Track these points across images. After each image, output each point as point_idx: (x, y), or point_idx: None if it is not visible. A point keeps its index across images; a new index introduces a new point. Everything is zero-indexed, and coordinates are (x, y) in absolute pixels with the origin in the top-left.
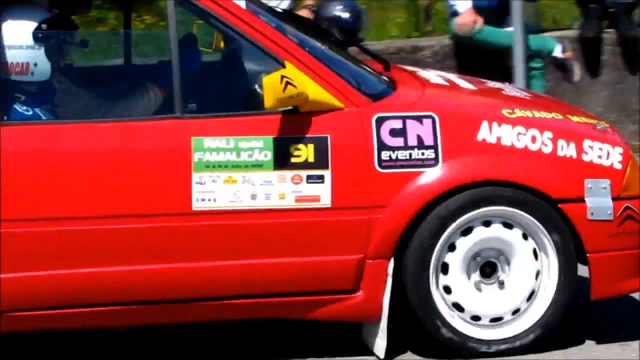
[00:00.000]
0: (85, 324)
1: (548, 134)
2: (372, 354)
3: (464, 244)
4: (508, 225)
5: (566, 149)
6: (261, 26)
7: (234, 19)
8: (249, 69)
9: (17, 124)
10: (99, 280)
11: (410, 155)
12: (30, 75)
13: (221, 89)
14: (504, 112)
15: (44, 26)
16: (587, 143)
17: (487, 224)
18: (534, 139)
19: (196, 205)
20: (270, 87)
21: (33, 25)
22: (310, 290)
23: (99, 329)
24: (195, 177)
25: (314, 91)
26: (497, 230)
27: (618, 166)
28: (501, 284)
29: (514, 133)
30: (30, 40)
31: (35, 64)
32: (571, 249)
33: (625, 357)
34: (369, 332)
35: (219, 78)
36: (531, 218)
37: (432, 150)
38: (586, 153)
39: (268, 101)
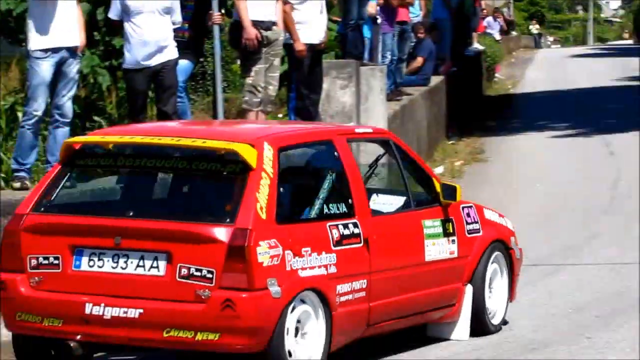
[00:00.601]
0: (393, 329)
1: (494, 212)
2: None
3: (490, 269)
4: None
5: (504, 221)
6: (422, 161)
7: (415, 157)
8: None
9: (377, 215)
10: (399, 302)
11: (473, 227)
12: None
13: (414, 193)
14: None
15: None
16: (504, 217)
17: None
18: (497, 216)
19: (427, 259)
20: (460, 191)
21: None
22: (444, 305)
23: (397, 332)
24: (426, 242)
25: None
26: (495, 265)
27: (512, 228)
28: (491, 292)
29: (494, 215)
30: None
31: None
32: (511, 272)
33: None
34: (443, 329)
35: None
36: (503, 258)
37: (478, 225)
38: (506, 221)
39: (459, 197)
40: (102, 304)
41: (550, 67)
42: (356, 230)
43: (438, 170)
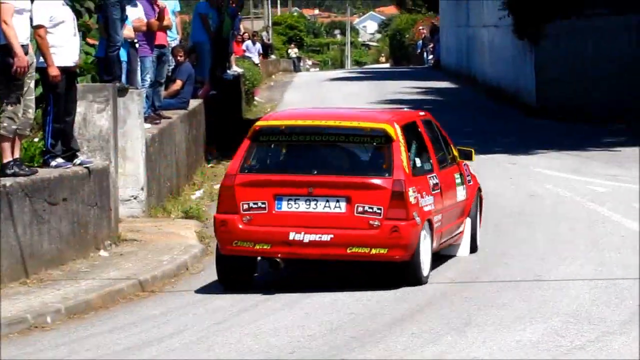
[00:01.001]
0: (444, 247)
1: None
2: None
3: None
4: None
5: (475, 174)
6: (446, 134)
7: (443, 132)
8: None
9: (440, 170)
10: (449, 229)
11: (469, 178)
12: None
13: (439, 155)
14: None
15: None
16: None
17: None
18: (473, 171)
19: (459, 199)
20: (474, 152)
21: None
22: (458, 232)
23: None
24: (458, 188)
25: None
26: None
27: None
28: None
29: (472, 170)
30: None
31: None
32: (480, 208)
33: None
34: (452, 248)
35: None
36: (478, 198)
37: (470, 177)
38: (476, 174)
39: (474, 158)
40: (302, 232)
41: (308, 90)
42: (437, 181)
43: (198, 193)
